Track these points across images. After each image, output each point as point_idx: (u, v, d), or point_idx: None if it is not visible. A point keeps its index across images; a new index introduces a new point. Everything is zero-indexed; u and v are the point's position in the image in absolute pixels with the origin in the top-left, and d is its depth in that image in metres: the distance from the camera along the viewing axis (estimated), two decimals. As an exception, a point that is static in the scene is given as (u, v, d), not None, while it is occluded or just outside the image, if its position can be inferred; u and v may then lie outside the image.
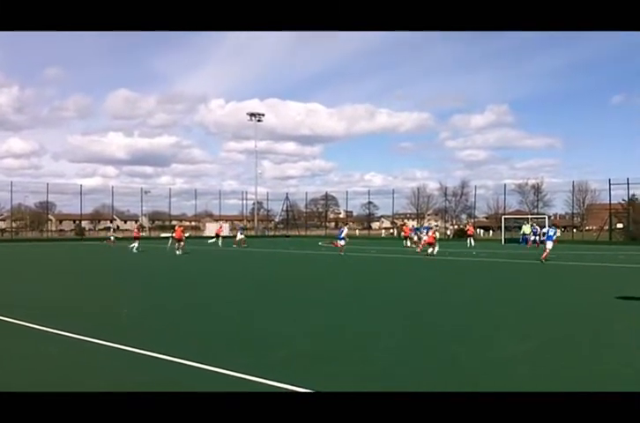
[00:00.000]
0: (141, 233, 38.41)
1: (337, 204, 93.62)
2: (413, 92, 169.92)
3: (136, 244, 34.12)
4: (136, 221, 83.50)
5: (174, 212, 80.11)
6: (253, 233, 76.33)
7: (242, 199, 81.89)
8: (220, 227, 35.50)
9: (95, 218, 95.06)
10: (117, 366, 6.78)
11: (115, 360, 7.03)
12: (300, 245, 44.00)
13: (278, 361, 6.90)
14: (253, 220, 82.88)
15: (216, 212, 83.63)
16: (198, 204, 78.63)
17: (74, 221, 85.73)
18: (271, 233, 77.52)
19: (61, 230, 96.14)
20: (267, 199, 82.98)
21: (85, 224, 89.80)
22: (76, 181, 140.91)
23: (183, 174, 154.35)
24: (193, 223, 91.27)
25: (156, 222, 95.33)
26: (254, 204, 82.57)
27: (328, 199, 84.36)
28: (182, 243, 31.15)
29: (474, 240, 42.52)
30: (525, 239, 42.68)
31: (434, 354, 7.36)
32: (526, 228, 43.68)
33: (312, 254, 32.56)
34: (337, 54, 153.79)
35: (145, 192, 71.79)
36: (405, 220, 65.94)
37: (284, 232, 77.61)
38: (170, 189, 74.10)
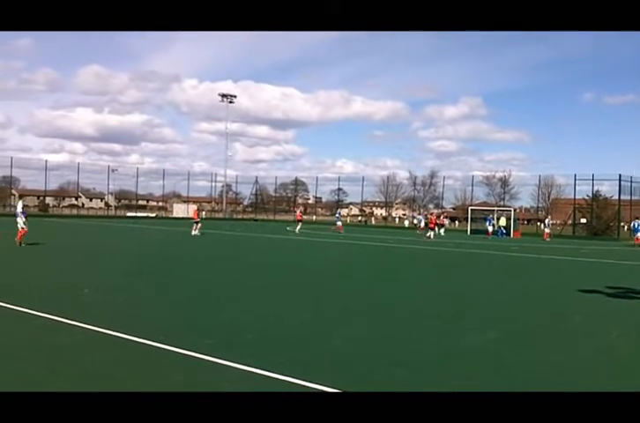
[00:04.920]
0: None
1: (306, 190, 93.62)
2: (389, 81, 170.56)
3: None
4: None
5: (141, 192, 79.32)
6: (221, 215, 75.96)
7: (212, 181, 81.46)
8: (196, 210, 34.05)
9: (60, 194, 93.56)
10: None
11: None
12: (269, 229, 43.91)
13: (244, 344, 6.89)
14: (221, 203, 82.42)
15: (184, 194, 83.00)
16: (166, 184, 77.90)
17: (38, 197, 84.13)
18: (239, 217, 77.19)
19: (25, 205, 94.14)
20: (236, 182, 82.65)
21: (49, 200, 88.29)
22: (42, 157, 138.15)
23: (153, 153, 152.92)
24: (160, 203, 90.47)
25: (122, 201, 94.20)
26: (223, 186, 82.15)
27: (298, 184, 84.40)
28: (199, 224, 31.07)
29: (444, 229, 42.89)
30: (502, 231, 43.29)
31: (391, 340, 7.44)
32: (502, 221, 44.26)
33: (281, 238, 32.54)
34: (314, 39, 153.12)
35: (113, 170, 70.90)
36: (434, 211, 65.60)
37: (252, 215, 77.37)
38: (138, 169, 73.25)
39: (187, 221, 41.98)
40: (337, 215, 45.12)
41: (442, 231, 41.51)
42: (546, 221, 43.15)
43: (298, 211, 44.73)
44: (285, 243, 28.59)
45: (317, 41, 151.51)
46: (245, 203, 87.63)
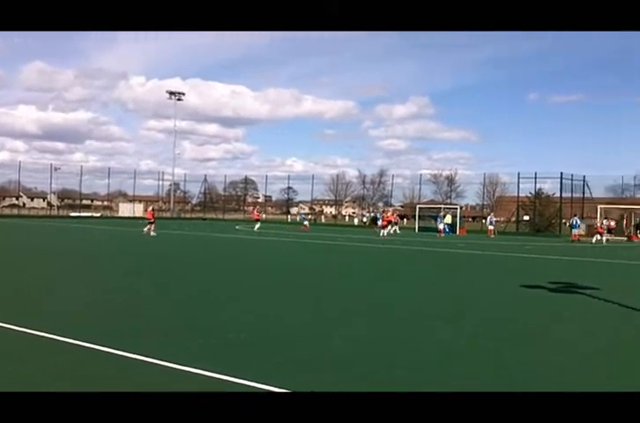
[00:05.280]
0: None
1: (256, 189, 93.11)
2: (340, 80, 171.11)
3: None
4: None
5: (85, 191, 77.51)
6: (168, 214, 74.91)
7: (159, 180, 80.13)
8: (152, 210, 32.37)
9: (0, 194, 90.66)
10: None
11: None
12: (217, 228, 43.53)
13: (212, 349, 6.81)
14: (169, 202, 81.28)
15: (130, 193, 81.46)
16: (112, 183, 76.36)
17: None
18: (187, 216, 76.28)
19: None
20: (185, 180, 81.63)
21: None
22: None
23: (98, 151, 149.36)
24: (105, 203, 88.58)
25: (65, 200, 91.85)
26: (171, 185, 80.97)
27: (247, 183, 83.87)
28: (153, 225, 30.44)
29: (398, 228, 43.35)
30: (448, 229, 43.81)
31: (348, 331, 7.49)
32: (448, 218, 44.95)
33: (231, 237, 32.31)
34: (263, 37, 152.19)
35: (55, 169, 69.09)
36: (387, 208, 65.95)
37: (200, 214, 76.55)
38: (82, 167, 71.60)
39: (134, 221, 41.21)
40: (302, 215, 46.02)
41: (396, 228, 41.93)
42: (490, 218, 44.09)
43: (255, 211, 43.68)
44: (235, 242, 28.40)
45: (266, 40, 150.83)
46: (193, 202, 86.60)
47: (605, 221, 38.21)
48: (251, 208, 49.59)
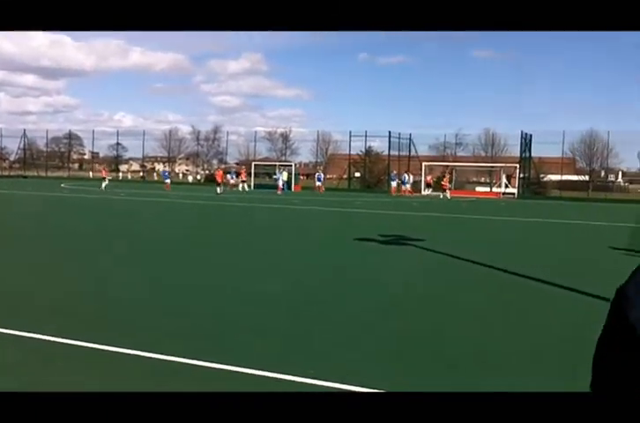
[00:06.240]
0: None
1: (82, 145, 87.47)
2: (169, 32, 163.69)
3: None
4: None
5: None
6: (-17, 172, 68.70)
7: (-31, 134, 72.76)
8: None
9: None
10: None
11: None
12: (41, 187, 40.75)
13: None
14: (-17, 158, 74.39)
15: None
16: None
17: None
18: (5, 174, 70.41)
19: None
20: (1, 136, 74.85)
21: None
22: None
23: None
24: None
25: None
26: (-16, 140, 73.93)
27: (72, 138, 78.61)
28: None
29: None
30: (286, 185, 44.31)
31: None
32: (284, 175, 45.47)
33: (59, 196, 30.43)
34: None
35: None
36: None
37: (20, 172, 70.98)
38: None
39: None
40: (166, 173, 45.82)
41: (244, 186, 42.58)
42: (317, 175, 45.59)
43: (103, 169, 42.51)
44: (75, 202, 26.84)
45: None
46: (12, 158, 79.91)
47: (407, 176, 40.74)
48: (99, 166, 48.04)
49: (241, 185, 42.19)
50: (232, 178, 46.75)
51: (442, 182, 38.62)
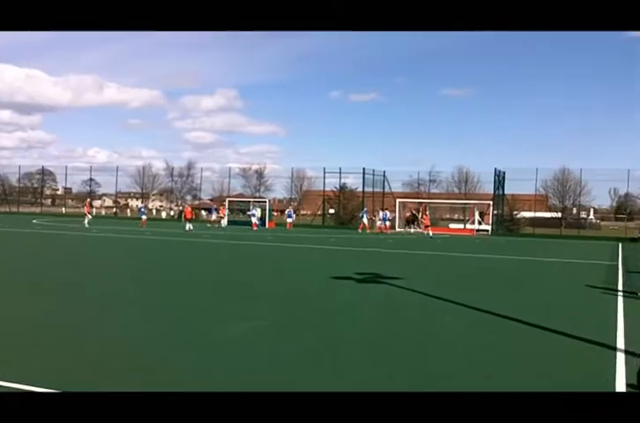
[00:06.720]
0: None
1: (55, 180, 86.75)
2: (145, 68, 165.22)
3: None
4: None
5: None
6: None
7: (-60, 170, 71.65)
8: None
9: None
10: None
11: None
12: (13, 223, 40.00)
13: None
14: (-47, 194, 73.15)
15: None
16: None
17: None
18: (-25, 209, 69.21)
19: None
20: (-28, 171, 73.77)
21: None
22: None
23: None
24: None
25: None
26: (-45, 175, 72.80)
27: (45, 174, 77.85)
28: None
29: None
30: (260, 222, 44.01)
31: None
32: (257, 212, 45.28)
33: (28, 233, 29.85)
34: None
35: None
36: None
37: (-9, 208, 69.85)
38: None
39: None
40: (142, 209, 44.58)
41: (223, 222, 43.10)
42: (287, 212, 45.65)
43: (87, 205, 40.04)
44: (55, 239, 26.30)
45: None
46: (-18, 194, 78.62)
47: (387, 213, 40.59)
48: (83, 202, 46.58)
49: (222, 221, 42.85)
50: (212, 214, 46.66)
51: (423, 220, 38.38)
